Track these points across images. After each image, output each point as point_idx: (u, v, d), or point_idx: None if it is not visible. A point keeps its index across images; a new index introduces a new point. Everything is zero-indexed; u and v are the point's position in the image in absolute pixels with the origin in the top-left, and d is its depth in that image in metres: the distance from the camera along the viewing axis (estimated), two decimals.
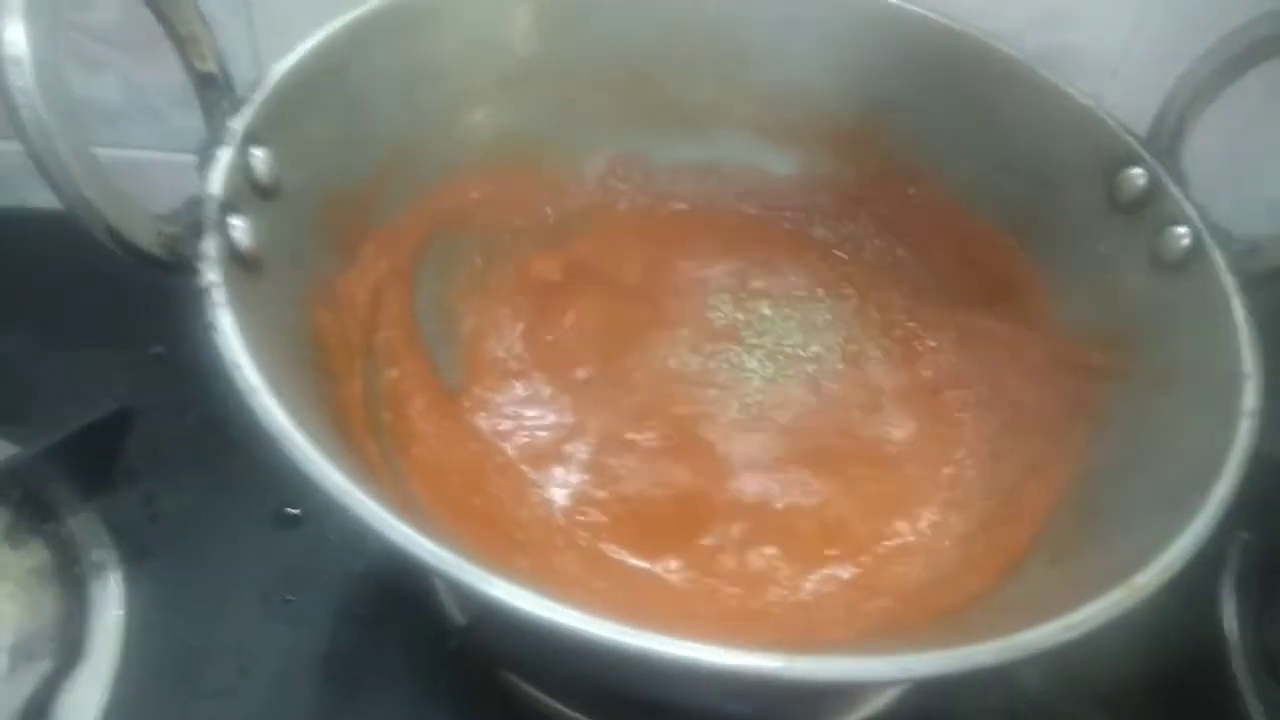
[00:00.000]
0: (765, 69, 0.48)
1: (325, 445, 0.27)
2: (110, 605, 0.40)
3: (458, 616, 0.37)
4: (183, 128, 0.57)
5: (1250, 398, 0.32)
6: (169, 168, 0.59)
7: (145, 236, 0.30)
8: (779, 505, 0.39)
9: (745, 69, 0.48)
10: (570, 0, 0.46)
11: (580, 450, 0.40)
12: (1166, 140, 0.41)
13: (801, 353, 0.45)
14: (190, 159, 0.58)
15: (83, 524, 0.42)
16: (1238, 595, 0.43)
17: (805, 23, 0.47)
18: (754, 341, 0.45)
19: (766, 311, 0.46)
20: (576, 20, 0.46)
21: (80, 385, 0.48)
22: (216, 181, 0.33)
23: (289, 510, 0.45)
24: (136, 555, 0.42)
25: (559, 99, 0.47)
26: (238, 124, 0.34)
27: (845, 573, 0.36)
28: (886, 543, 0.37)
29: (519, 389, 0.42)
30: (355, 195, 0.40)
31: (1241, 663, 0.42)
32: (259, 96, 0.35)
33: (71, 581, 0.40)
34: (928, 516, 0.38)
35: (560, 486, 0.38)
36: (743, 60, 0.48)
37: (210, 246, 0.31)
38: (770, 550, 0.37)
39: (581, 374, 0.43)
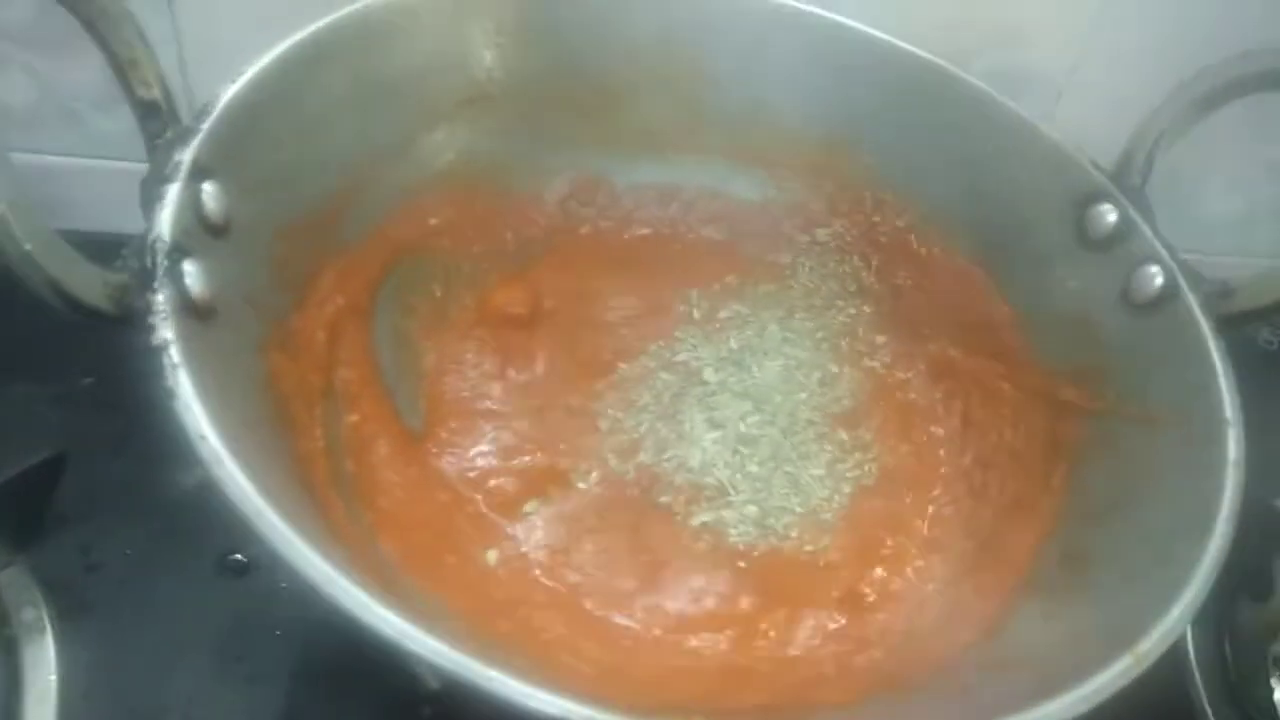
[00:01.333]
0: (731, 93, 0.47)
1: (298, 519, 0.25)
2: (44, 670, 0.37)
3: (429, 679, 0.36)
4: (102, 131, 0.54)
5: (1234, 446, 0.32)
6: (88, 174, 0.55)
7: (90, 290, 0.28)
8: (758, 552, 0.38)
9: (711, 92, 0.47)
10: (531, 19, 0.44)
11: (554, 497, 0.38)
12: (1136, 177, 0.41)
13: (772, 387, 0.44)
14: (111, 165, 0.55)
15: (11, 580, 0.38)
16: (1197, 623, 0.44)
17: (772, 47, 0.46)
18: (724, 376, 0.44)
19: (734, 344, 0.45)
20: (537, 39, 0.44)
21: (4, 424, 0.44)
22: (165, 223, 0.30)
23: (235, 556, 0.42)
24: (72, 612, 0.39)
25: (520, 120, 0.45)
26: (185, 156, 0.32)
27: (832, 623, 0.36)
28: (870, 589, 0.37)
29: (485, 430, 0.40)
30: (310, 226, 0.38)
31: (1203, 692, 0.42)
32: (205, 125, 0.33)
33: (1, 645, 0.37)
34: (909, 560, 0.38)
35: (536, 538, 0.37)
36: (708, 84, 0.47)
37: (162, 299, 0.28)
38: (753, 601, 0.36)
39: (549, 413, 0.41)
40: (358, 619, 0.23)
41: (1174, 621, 0.27)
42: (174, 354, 0.27)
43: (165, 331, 0.27)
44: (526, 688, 0.22)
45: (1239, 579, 0.44)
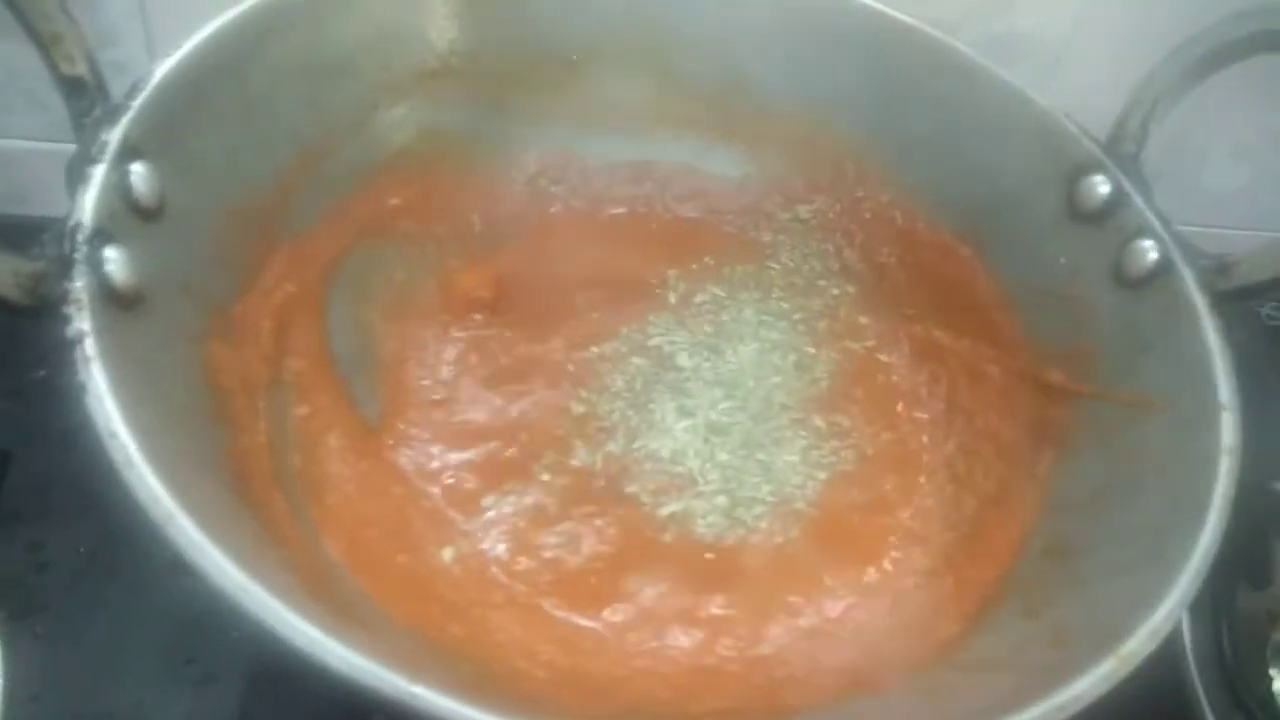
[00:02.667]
0: (706, 64, 0.45)
1: (222, 523, 0.24)
2: None
3: None
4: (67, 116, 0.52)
5: (1229, 433, 0.30)
6: (52, 159, 0.53)
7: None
8: (729, 545, 0.36)
9: (684, 63, 0.45)
10: None
11: (516, 491, 0.36)
12: (1130, 146, 0.39)
13: (744, 372, 0.42)
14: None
15: None
16: (1193, 611, 0.42)
17: (748, 15, 0.44)
18: (698, 361, 0.42)
19: (709, 329, 0.43)
20: (502, 8, 0.43)
21: None
22: (87, 207, 0.28)
23: None
24: (20, 613, 0.38)
25: (484, 95, 0.43)
26: (112, 136, 0.30)
27: (804, 621, 0.34)
28: (846, 584, 0.35)
29: (446, 421, 0.38)
30: (257, 208, 0.36)
31: (1199, 682, 0.41)
32: (137, 102, 0.31)
33: None
34: (888, 552, 0.36)
35: (495, 534, 0.35)
36: (681, 54, 0.45)
37: (79, 287, 0.26)
38: (722, 598, 0.34)
39: (514, 402, 0.39)
40: (273, 631, 0.21)
41: (1160, 621, 0.25)
42: (88, 347, 0.25)
43: (81, 323, 0.26)
44: (455, 704, 0.21)
45: (1237, 566, 0.42)
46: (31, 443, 0.42)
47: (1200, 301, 0.34)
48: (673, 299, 0.44)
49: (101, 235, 0.28)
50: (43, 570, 0.39)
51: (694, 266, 0.45)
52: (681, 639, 0.33)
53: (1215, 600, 0.43)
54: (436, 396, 0.39)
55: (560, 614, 0.33)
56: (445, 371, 0.40)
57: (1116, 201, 0.38)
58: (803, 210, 0.46)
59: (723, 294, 0.44)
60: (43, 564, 0.39)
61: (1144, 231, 0.36)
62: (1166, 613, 0.25)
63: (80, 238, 0.27)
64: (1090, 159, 0.39)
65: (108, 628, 0.38)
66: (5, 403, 0.44)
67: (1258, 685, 0.40)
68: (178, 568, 0.39)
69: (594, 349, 0.41)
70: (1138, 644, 0.25)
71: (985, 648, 0.30)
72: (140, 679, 0.37)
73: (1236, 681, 0.41)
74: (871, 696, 0.29)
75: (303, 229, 0.38)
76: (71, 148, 0.53)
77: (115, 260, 0.28)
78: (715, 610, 0.34)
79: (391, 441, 0.37)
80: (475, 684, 0.24)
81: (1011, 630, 0.30)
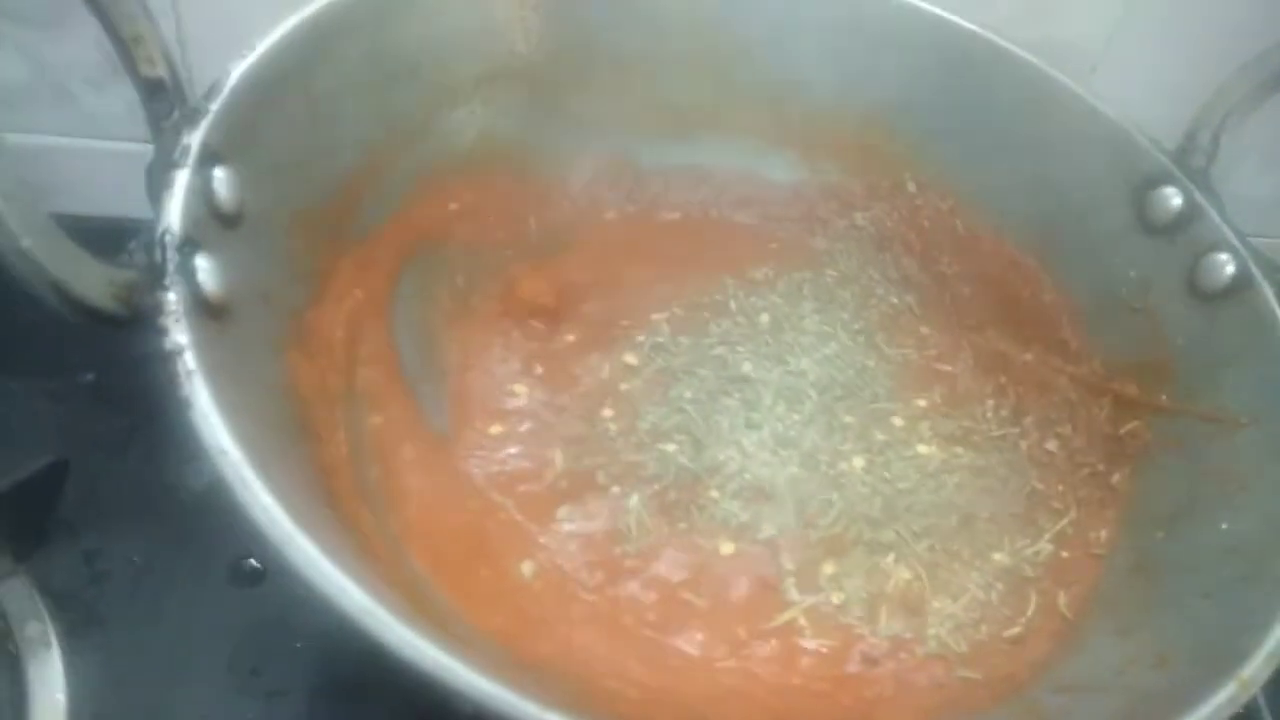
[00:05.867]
0: (763, 68, 0.45)
1: (327, 539, 0.23)
2: (51, 687, 0.35)
3: (465, 705, 0.33)
4: (97, 110, 0.51)
5: None
6: (81, 155, 0.53)
7: (96, 290, 0.25)
8: (803, 559, 0.36)
9: (742, 68, 0.45)
10: None
11: (590, 503, 0.36)
12: (1200, 159, 0.39)
13: (810, 384, 0.41)
14: (104, 145, 0.52)
15: (14, 592, 0.36)
16: None
17: (806, 19, 0.44)
18: (763, 372, 0.41)
19: (769, 339, 0.43)
20: (561, 12, 0.42)
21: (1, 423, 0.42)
22: (175, 213, 0.28)
23: (249, 562, 0.40)
24: (79, 626, 0.37)
25: (541, 99, 0.43)
26: (195, 139, 0.29)
27: (886, 638, 0.33)
28: (925, 600, 0.35)
29: (513, 430, 0.38)
30: (325, 213, 0.35)
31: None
32: (215, 105, 0.30)
33: (4, 662, 0.35)
34: (967, 566, 0.36)
35: (572, 548, 0.34)
36: (740, 58, 0.44)
37: (174, 297, 0.26)
38: (799, 615, 0.34)
39: (579, 411, 0.39)
40: (399, 655, 0.21)
41: (1277, 643, 0.25)
42: (189, 360, 0.25)
43: (179, 335, 0.25)
44: None
45: None
46: (82, 448, 0.41)
47: None
48: (733, 306, 0.43)
49: (191, 243, 0.27)
50: (100, 581, 0.38)
51: (753, 274, 0.45)
52: (765, 657, 0.33)
53: None
54: (502, 405, 0.38)
55: (644, 632, 0.32)
56: (509, 380, 0.39)
57: (1189, 214, 0.38)
58: (860, 217, 0.46)
59: (781, 302, 0.44)
60: (100, 575, 0.39)
61: (1219, 245, 0.36)
62: None
63: (171, 246, 0.27)
64: (1161, 171, 0.39)
65: (169, 639, 0.37)
66: (55, 407, 0.43)
67: None
68: (238, 576, 0.39)
69: (659, 360, 0.41)
70: (1257, 666, 0.24)
71: (1082, 668, 0.29)
72: (207, 692, 0.36)
73: None
74: (968, 717, 0.29)
75: (367, 234, 0.37)
76: (95, 144, 0.52)
77: (205, 269, 0.27)
78: (795, 627, 0.34)
79: (463, 452, 0.36)
80: (577, 705, 0.24)
81: (1107, 650, 0.30)
